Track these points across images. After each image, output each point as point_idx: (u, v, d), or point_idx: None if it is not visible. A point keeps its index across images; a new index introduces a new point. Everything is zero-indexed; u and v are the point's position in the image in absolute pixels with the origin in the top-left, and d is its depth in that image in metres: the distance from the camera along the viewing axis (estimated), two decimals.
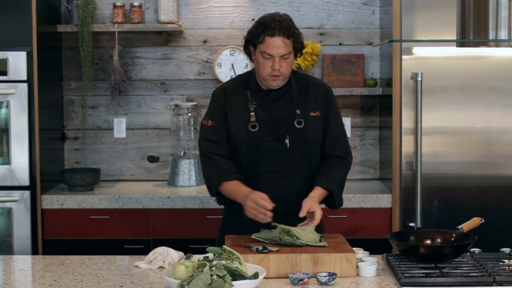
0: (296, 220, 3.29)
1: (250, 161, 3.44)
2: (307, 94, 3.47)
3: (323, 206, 3.44)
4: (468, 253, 3.18)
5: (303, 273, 2.87)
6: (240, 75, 3.59)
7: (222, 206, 3.63)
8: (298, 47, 3.39)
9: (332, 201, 3.46)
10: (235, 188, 3.37)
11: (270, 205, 3.23)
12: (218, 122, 3.46)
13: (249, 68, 4.89)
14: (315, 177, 3.44)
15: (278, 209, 3.40)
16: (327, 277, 2.84)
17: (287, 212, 3.39)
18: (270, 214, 3.23)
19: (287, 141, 3.41)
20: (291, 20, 3.39)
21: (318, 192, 3.37)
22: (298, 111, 3.42)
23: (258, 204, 3.24)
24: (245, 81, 3.50)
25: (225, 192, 3.40)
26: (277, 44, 3.32)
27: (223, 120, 3.46)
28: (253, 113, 3.42)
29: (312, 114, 3.45)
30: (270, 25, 3.33)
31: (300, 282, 2.85)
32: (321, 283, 2.85)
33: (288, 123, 3.42)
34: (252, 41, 3.39)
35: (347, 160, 3.52)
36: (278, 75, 3.36)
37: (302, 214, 3.24)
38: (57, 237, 4.49)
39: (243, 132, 3.42)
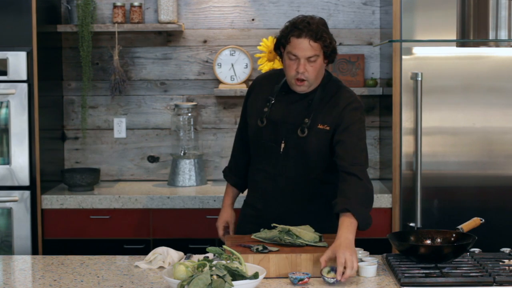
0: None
1: (253, 154, 3.48)
2: (326, 105, 3.34)
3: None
4: (468, 253, 3.18)
5: (303, 273, 2.87)
6: (282, 68, 3.49)
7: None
8: (327, 52, 3.26)
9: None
10: (225, 192, 3.70)
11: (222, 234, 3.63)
12: (243, 112, 3.59)
13: (249, 68, 4.90)
14: (331, 203, 3.15)
15: (268, 211, 3.42)
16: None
17: (276, 216, 3.36)
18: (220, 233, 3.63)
19: (282, 145, 3.35)
20: (323, 24, 3.27)
21: (342, 230, 3.00)
22: (306, 120, 3.31)
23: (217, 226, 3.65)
24: (279, 76, 3.44)
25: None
26: (302, 46, 3.21)
27: (244, 110, 3.56)
28: (266, 109, 3.39)
29: (320, 126, 3.31)
30: (298, 26, 3.22)
31: (300, 282, 2.85)
32: (329, 284, 2.85)
33: (292, 128, 3.34)
34: (281, 41, 3.30)
35: (361, 180, 3.16)
36: (303, 80, 3.27)
37: (322, 263, 2.93)
38: (57, 237, 4.48)
39: (254, 124, 3.42)
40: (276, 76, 3.47)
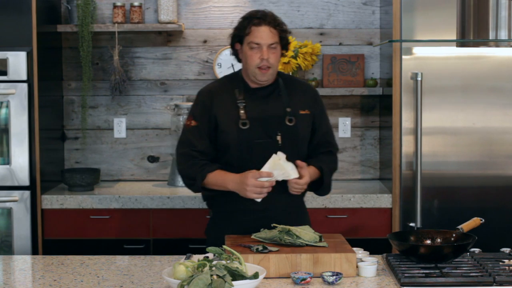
0: (288, 223, 3.27)
1: (241, 159, 3.41)
2: (295, 93, 3.49)
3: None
4: (468, 253, 3.18)
5: (305, 273, 2.87)
6: (226, 76, 3.60)
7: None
8: (284, 41, 3.43)
9: (320, 182, 3.47)
10: (221, 176, 3.37)
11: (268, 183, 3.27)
12: (202, 123, 3.43)
13: None
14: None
15: (269, 209, 3.40)
16: (334, 277, 2.84)
17: (280, 212, 3.38)
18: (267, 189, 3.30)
19: (278, 138, 3.39)
20: (276, 16, 3.47)
21: (311, 168, 3.41)
22: (288, 109, 3.43)
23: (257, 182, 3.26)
24: (232, 81, 3.49)
25: (211, 183, 3.38)
26: (264, 34, 3.37)
27: (206, 122, 3.42)
28: (243, 111, 3.40)
29: (302, 112, 3.46)
30: (256, 16, 3.41)
31: (303, 281, 2.85)
32: (328, 283, 2.85)
33: (279, 120, 3.41)
34: (239, 35, 3.42)
35: (335, 155, 3.60)
36: (267, 67, 3.37)
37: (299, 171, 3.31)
38: (57, 237, 4.49)
39: (234, 130, 3.39)
40: (228, 83, 3.49)
